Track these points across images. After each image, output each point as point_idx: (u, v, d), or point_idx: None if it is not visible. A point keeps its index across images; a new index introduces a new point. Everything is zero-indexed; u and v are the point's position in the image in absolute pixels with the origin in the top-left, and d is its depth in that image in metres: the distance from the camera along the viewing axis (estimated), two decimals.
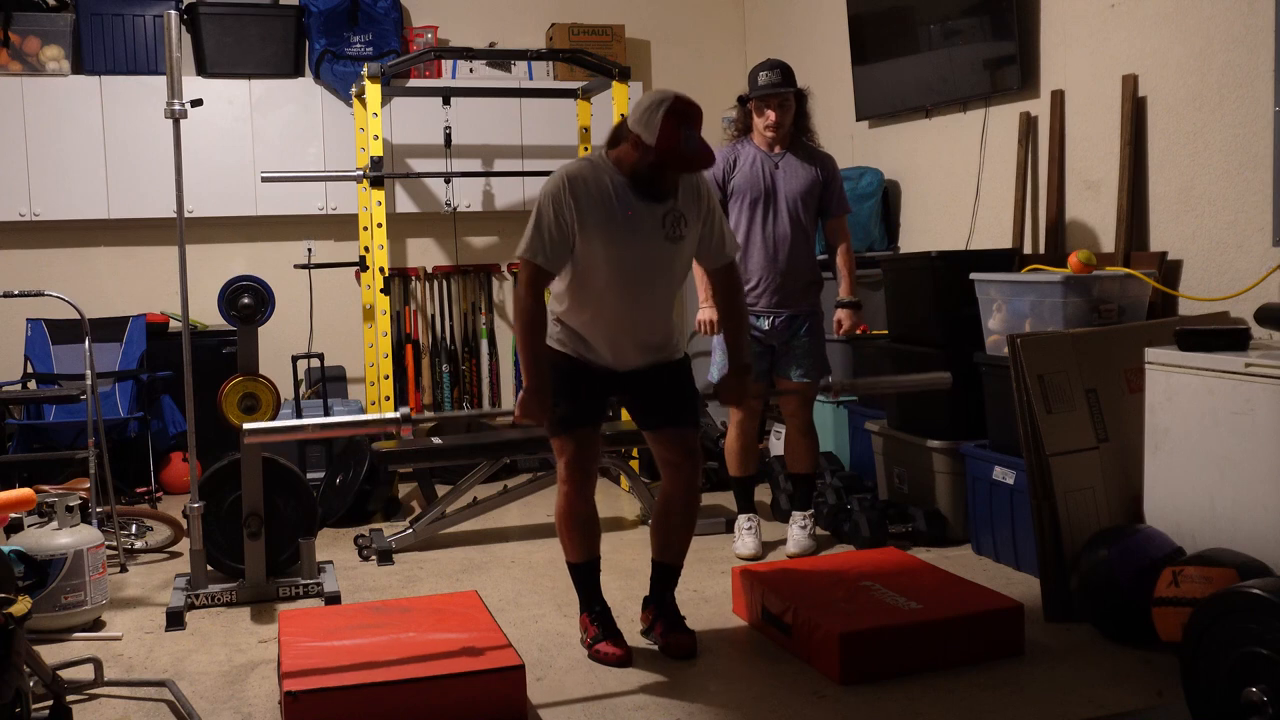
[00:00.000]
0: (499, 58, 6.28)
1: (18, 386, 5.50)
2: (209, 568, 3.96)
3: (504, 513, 5.05)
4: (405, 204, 6.22)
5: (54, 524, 3.67)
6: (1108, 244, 4.33)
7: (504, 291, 6.59)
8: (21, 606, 2.59)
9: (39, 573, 3.54)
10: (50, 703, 2.80)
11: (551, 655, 3.36)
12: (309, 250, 6.17)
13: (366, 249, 5.52)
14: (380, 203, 5.34)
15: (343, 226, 6.27)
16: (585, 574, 3.41)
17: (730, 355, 3.44)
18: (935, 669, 3.12)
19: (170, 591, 3.97)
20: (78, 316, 4.50)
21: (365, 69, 5.28)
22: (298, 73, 6.17)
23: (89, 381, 4.45)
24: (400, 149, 6.11)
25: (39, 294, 4.58)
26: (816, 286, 4.31)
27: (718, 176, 4.21)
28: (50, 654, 3.19)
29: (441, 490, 5.05)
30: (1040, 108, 4.69)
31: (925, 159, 5.47)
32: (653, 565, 3.46)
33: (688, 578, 3.68)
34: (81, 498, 3.82)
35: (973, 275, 4.26)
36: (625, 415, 4.93)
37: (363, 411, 5.70)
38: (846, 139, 6.00)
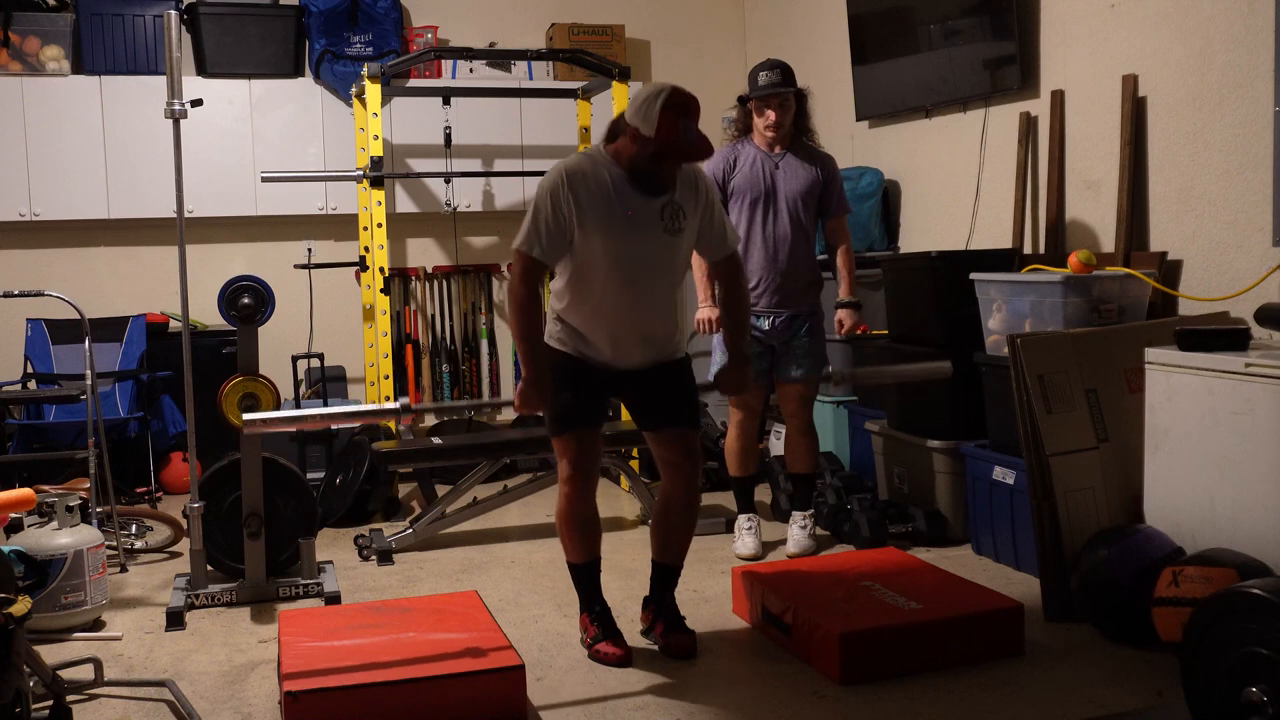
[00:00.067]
0: (499, 58, 6.28)
1: (18, 386, 5.50)
2: (209, 568, 3.96)
3: (504, 513, 5.05)
4: (405, 204, 6.22)
5: (54, 524, 3.67)
6: (1108, 244, 4.33)
7: (504, 291, 6.59)
8: (21, 606, 2.59)
9: (39, 573, 3.54)
10: (50, 703, 2.80)
11: (551, 655, 3.36)
12: (309, 250, 6.17)
13: (366, 249, 5.53)
14: (380, 203, 5.34)
15: (343, 226, 6.28)
16: (586, 574, 3.41)
17: (730, 346, 3.44)
18: (935, 669, 3.12)
19: (170, 591, 3.97)
20: (78, 316, 4.50)
21: (365, 69, 5.28)
22: (298, 73, 6.17)
23: (89, 381, 4.45)
24: (400, 149, 6.11)
25: (39, 294, 4.58)
26: (816, 286, 4.31)
27: (718, 176, 4.21)
28: (50, 654, 3.19)
29: (441, 490, 5.05)
30: (1040, 108, 4.69)
31: (925, 159, 5.47)
32: (653, 565, 3.46)
33: (688, 578, 3.68)
34: (81, 498, 3.82)
35: (973, 275, 4.26)
36: (625, 415, 4.93)
37: None
38: (846, 139, 6.00)
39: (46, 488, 3.89)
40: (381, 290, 5.34)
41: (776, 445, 5.37)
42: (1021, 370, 3.56)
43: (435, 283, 6.52)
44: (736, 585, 3.69)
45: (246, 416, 3.28)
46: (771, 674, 3.19)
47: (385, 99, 5.72)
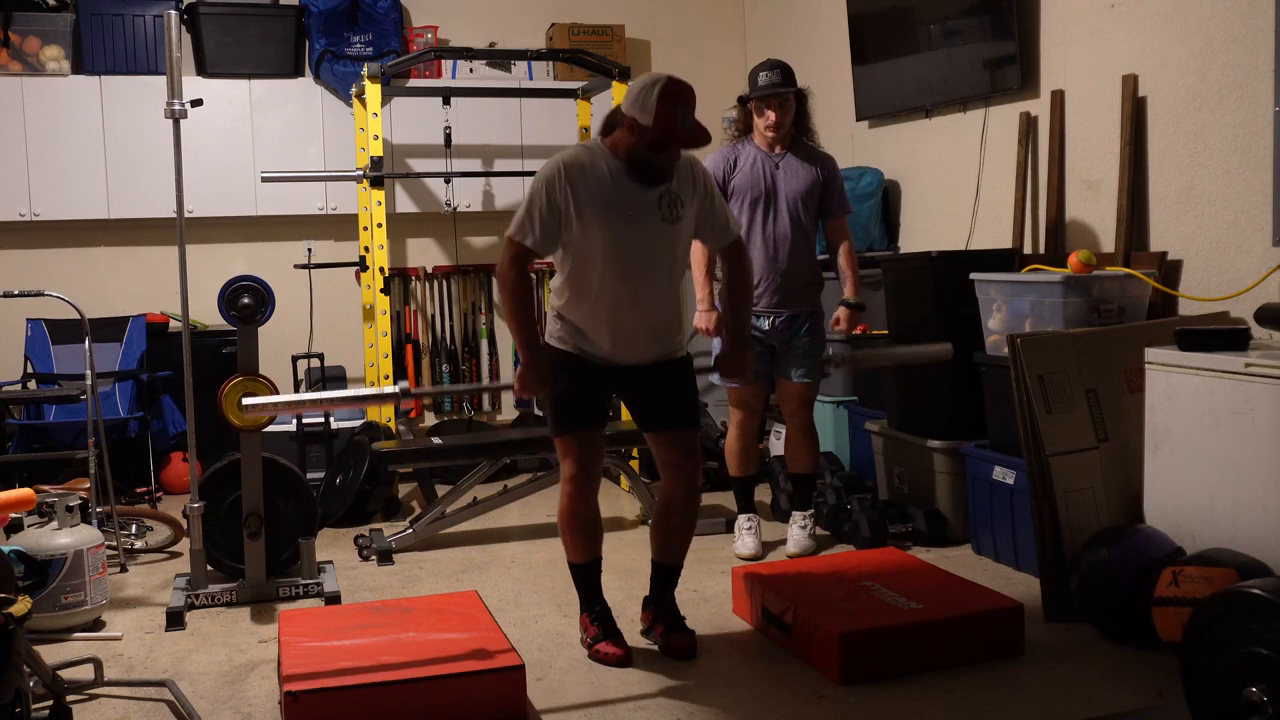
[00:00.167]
0: (499, 58, 6.28)
1: (18, 386, 5.50)
2: (209, 568, 3.96)
3: (504, 513, 5.05)
4: (405, 204, 6.22)
5: (54, 524, 3.67)
6: (1108, 244, 4.33)
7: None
8: (21, 606, 2.59)
9: (39, 573, 3.54)
10: (50, 703, 2.80)
11: (551, 655, 3.36)
12: (309, 250, 6.18)
13: (366, 249, 5.53)
14: (380, 203, 5.34)
15: (343, 226, 6.28)
16: (586, 574, 3.41)
17: (732, 329, 3.45)
18: (935, 669, 3.11)
19: (170, 591, 3.97)
20: (78, 316, 4.50)
21: (365, 69, 5.29)
22: (298, 73, 6.17)
23: (89, 381, 4.45)
24: (400, 149, 6.11)
25: (39, 294, 4.58)
26: (817, 286, 4.31)
27: (718, 176, 4.20)
28: (50, 654, 3.19)
29: (441, 490, 5.05)
30: (1040, 108, 4.69)
31: (925, 159, 5.47)
32: (652, 566, 3.46)
33: (688, 578, 3.68)
34: (81, 498, 3.82)
35: (973, 275, 4.26)
36: (625, 415, 4.93)
37: (363, 412, 5.71)
38: (846, 139, 6.00)
39: (46, 488, 3.89)
40: (381, 290, 5.35)
41: (776, 445, 5.37)
42: (1021, 370, 3.56)
43: (435, 283, 6.52)
44: (736, 585, 3.69)
45: (246, 400, 3.28)
46: (771, 674, 3.19)
47: (385, 99, 5.73)
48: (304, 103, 6.14)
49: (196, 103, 3.94)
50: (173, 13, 3.88)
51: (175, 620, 3.71)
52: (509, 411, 6.65)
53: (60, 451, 5.18)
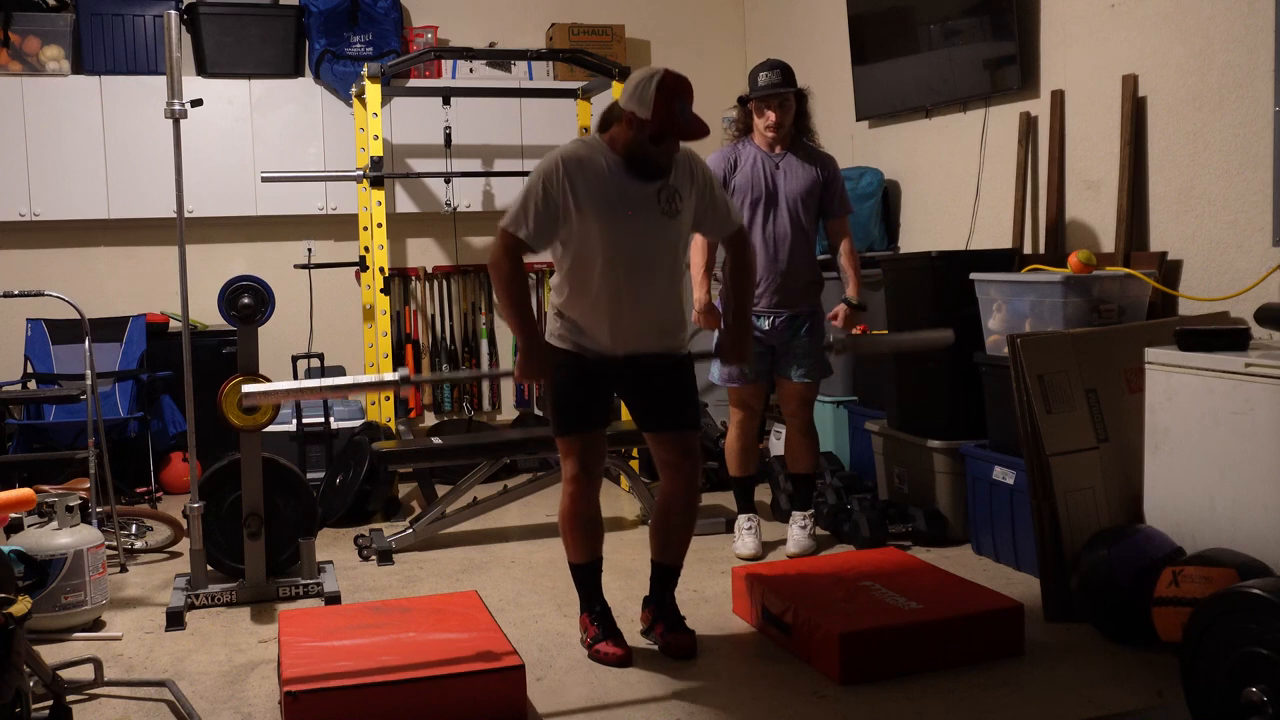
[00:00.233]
0: (499, 58, 6.28)
1: (18, 386, 5.50)
2: (209, 568, 3.96)
3: (504, 513, 5.05)
4: (405, 204, 6.22)
5: (54, 524, 3.67)
6: (1108, 244, 4.33)
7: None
8: (21, 606, 2.59)
9: (39, 573, 3.54)
10: (50, 703, 2.80)
11: (551, 655, 3.36)
12: (309, 250, 6.18)
13: (366, 249, 5.53)
14: (380, 203, 5.34)
15: (343, 226, 6.28)
16: (587, 574, 3.41)
17: (734, 312, 3.45)
18: (935, 669, 3.12)
19: (170, 591, 3.97)
20: (78, 316, 4.50)
21: (365, 69, 5.29)
22: (298, 73, 6.17)
23: (89, 381, 4.45)
24: (400, 149, 6.11)
25: (39, 294, 4.58)
26: (817, 286, 4.31)
27: (719, 176, 4.20)
28: (50, 654, 3.19)
29: (441, 490, 5.05)
30: (1040, 108, 4.69)
31: (925, 159, 5.46)
32: (652, 566, 3.46)
33: (688, 578, 3.68)
34: (81, 498, 3.82)
35: (973, 275, 4.26)
36: (625, 415, 4.93)
37: (363, 412, 5.71)
38: (846, 139, 6.00)
39: (46, 488, 3.89)
40: (381, 290, 5.35)
41: (776, 445, 5.37)
42: (1021, 370, 3.56)
43: (435, 283, 6.53)
44: (736, 585, 3.69)
45: (246, 387, 3.28)
46: (771, 674, 3.19)
47: (385, 99, 5.73)
48: (304, 103, 6.14)
49: (196, 103, 3.94)
50: (173, 13, 3.88)
51: (175, 620, 3.71)
52: (509, 412, 6.65)
53: (60, 451, 5.18)
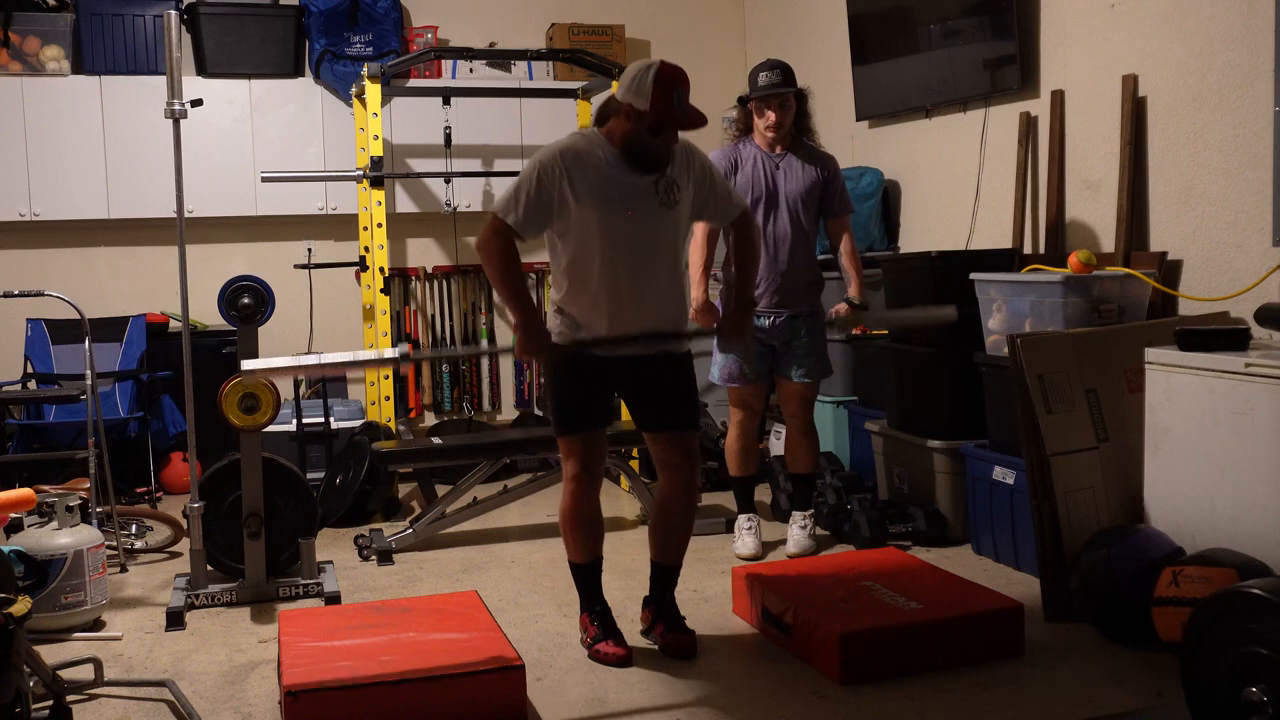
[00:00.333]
0: (499, 58, 6.28)
1: (18, 386, 5.50)
2: (209, 568, 3.96)
3: (504, 513, 5.05)
4: (405, 204, 6.22)
5: (54, 524, 3.67)
6: (1108, 244, 4.33)
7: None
8: (21, 606, 2.59)
9: (39, 573, 3.54)
10: (50, 703, 2.80)
11: (551, 655, 3.36)
12: (309, 250, 6.18)
13: (366, 249, 5.53)
14: (380, 203, 5.34)
15: (343, 226, 6.28)
16: (587, 574, 3.41)
17: (736, 291, 3.45)
18: (935, 669, 3.11)
19: (170, 591, 3.97)
20: (78, 316, 4.51)
21: (365, 69, 5.29)
22: (298, 73, 6.17)
23: (89, 381, 4.45)
24: (400, 149, 6.11)
25: (39, 294, 4.59)
26: (817, 286, 4.31)
27: None
28: (50, 654, 3.19)
29: (441, 490, 5.05)
30: (1040, 108, 4.69)
31: (925, 159, 5.47)
32: (652, 566, 3.46)
33: (688, 578, 3.68)
34: (81, 498, 3.82)
35: (973, 275, 4.26)
36: (625, 415, 4.93)
37: (363, 412, 5.71)
38: (846, 139, 6.00)
39: (46, 488, 3.89)
40: (381, 290, 5.35)
41: (776, 445, 5.37)
42: (1021, 370, 3.56)
43: (435, 283, 6.53)
44: (736, 585, 3.69)
45: (245, 363, 3.27)
46: (771, 674, 3.19)
47: (385, 99, 5.73)
48: (304, 103, 6.14)
49: (196, 103, 3.94)
50: (173, 13, 3.88)
51: (175, 620, 3.71)
52: (509, 412, 6.65)
53: (60, 451, 5.18)
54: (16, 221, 5.81)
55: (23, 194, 5.77)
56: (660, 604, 3.42)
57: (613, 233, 3.14)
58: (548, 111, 6.26)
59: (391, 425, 5.38)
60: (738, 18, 7.11)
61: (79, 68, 5.87)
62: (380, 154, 5.32)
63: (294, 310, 6.05)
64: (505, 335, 6.60)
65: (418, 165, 6.08)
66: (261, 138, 6.07)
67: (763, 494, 4.93)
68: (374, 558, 4.45)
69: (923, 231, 5.52)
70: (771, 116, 4.17)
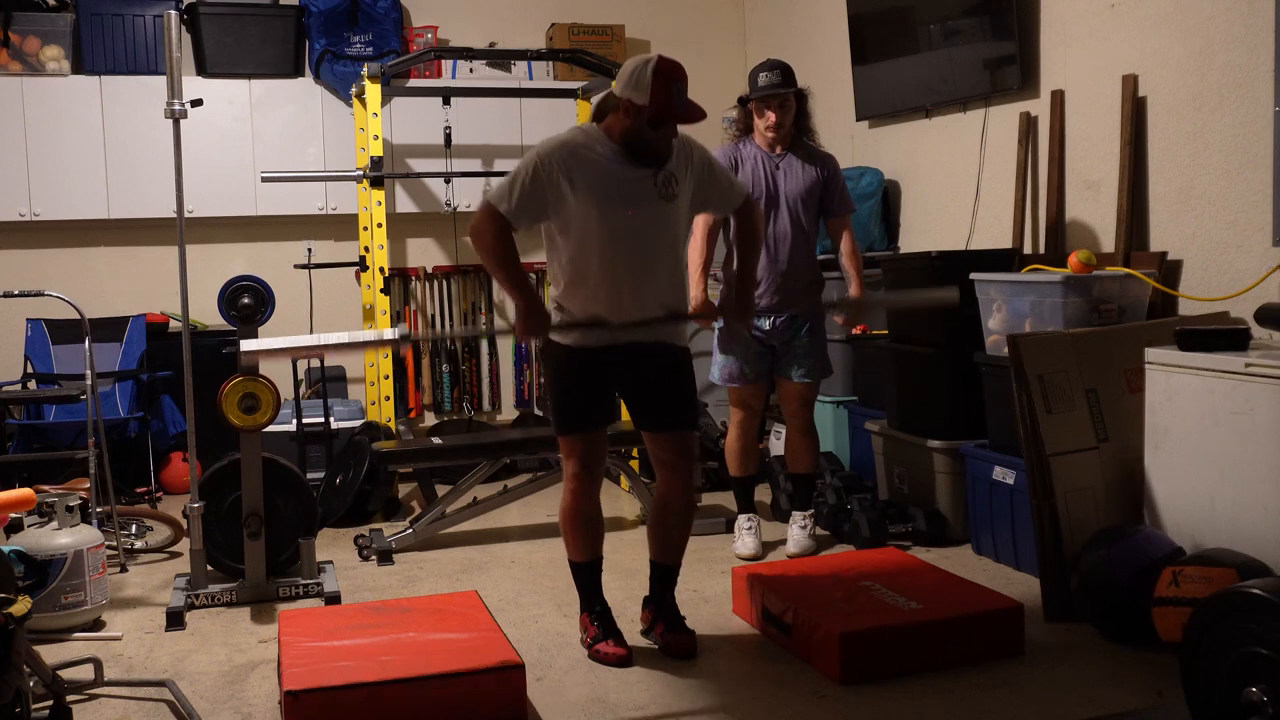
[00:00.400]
0: (499, 58, 6.28)
1: (18, 386, 5.50)
2: (209, 568, 3.96)
3: (504, 513, 5.05)
4: (405, 204, 6.22)
5: (54, 524, 3.67)
6: (1108, 244, 4.33)
7: (504, 291, 6.57)
8: (21, 606, 2.59)
9: (39, 573, 3.54)
10: (50, 703, 2.80)
11: (551, 655, 3.36)
12: (309, 250, 6.18)
13: (366, 249, 5.53)
14: (380, 203, 5.34)
15: (343, 226, 6.28)
16: (587, 573, 3.41)
17: (738, 273, 3.46)
18: (935, 669, 3.11)
19: (170, 591, 3.97)
20: (78, 316, 4.51)
21: (365, 69, 5.29)
22: (298, 73, 6.17)
23: (89, 381, 4.45)
24: (400, 149, 6.11)
25: (39, 294, 4.59)
26: (817, 286, 4.31)
27: None
28: (50, 654, 3.19)
29: (441, 490, 5.05)
30: (1040, 108, 4.69)
31: (925, 159, 5.46)
32: (651, 566, 3.46)
33: (688, 578, 3.68)
34: (81, 498, 3.82)
35: (973, 275, 4.26)
36: (625, 415, 4.93)
37: (363, 412, 5.71)
38: (846, 139, 6.00)
39: (46, 488, 3.89)
40: (381, 290, 5.35)
41: (776, 445, 5.37)
42: (1021, 370, 3.56)
43: (435, 283, 6.52)
44: (736, 585, 3.69)
45: (244, 344, 3.26)
46: (771, 674, 3.19)
47: (385, 99, 5.73)
48: (304, 103, 6.14)
49: (196, 103, 3.94)
50: (173, 13, 3.88)
51: (175, 620, 3.71)
52: (509, 412, 6.65)
53: (60, 451, 5.18)
54: (16, 221, 5.81)
55: (23, 194, 5.77)
56: (660, 604, 3.42)
57: (612, 228, 3.14)
58: (548, 111, 6.26)
59: (391, 425, 5.38)
60: (738, 18, 7.11)
61: (79, 68, 5.87)
62: (380, 154, 5.32)
63: (294, 310, 6.04)
64: (504, 335, 6.61)
65: (418, 165, 6.08)
66: (261, 138, 6.08)
67: (763, 494, 4.93)
68: (374, 558, 4.45)
69: (923, 231, 5.52)
70: (771, 117, 4.17)
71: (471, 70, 6.39)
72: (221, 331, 5.75)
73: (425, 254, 6.55)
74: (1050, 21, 4.62)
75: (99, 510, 4.39)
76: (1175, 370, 3.34)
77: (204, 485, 4.01)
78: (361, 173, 5.42)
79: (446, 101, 5.88)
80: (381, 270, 5.34)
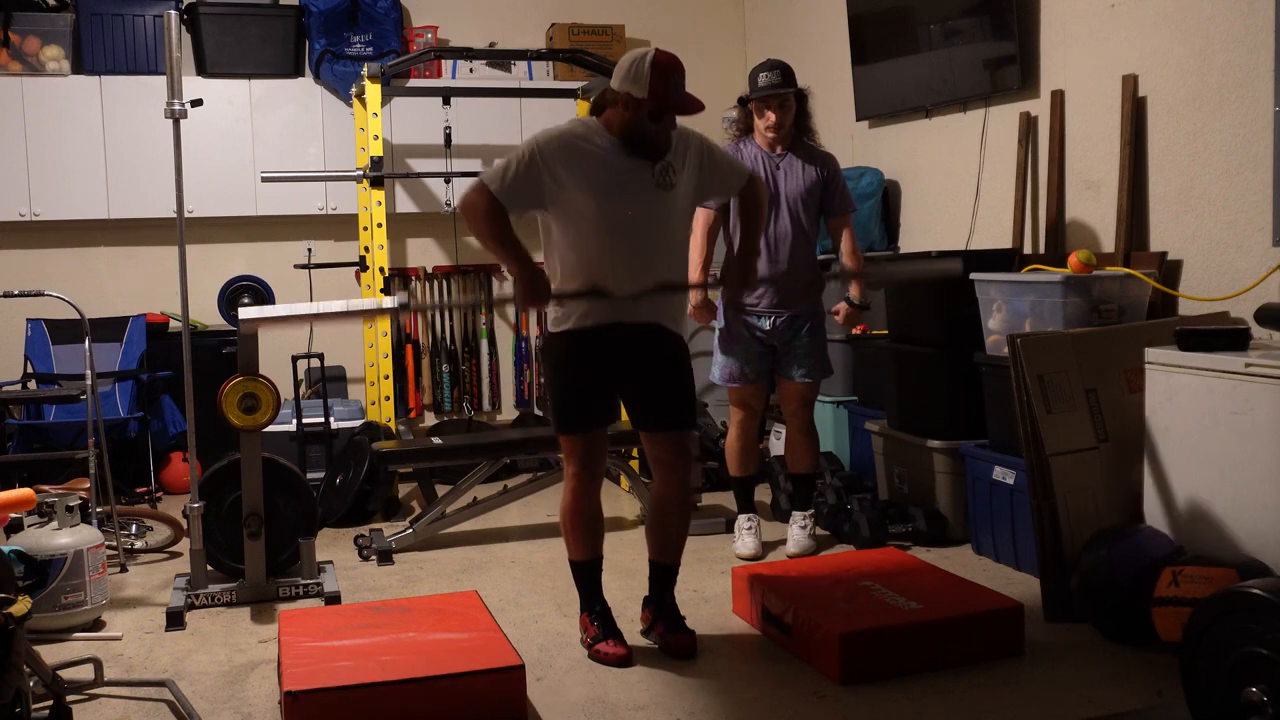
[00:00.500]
0: (499, 58, 6.28)
1: (18, 386, 5.50)
2: (209, 568, 3.96)
3: (504, 513, 5.05)
4: (405, 204, 6.22)
5: (54, 524, 3.67)
6: (1108, 244, 4.33)
7: (504, 291, 6.58)
8: (21, 606, 2.59)
9: (39, 573, 3.54)
10: (50, 703, 2.80)
11: (551, 655, 3.36)
12: (309, 250, 6.17)
13: (366, 249, 5.53)
14: (380, 203, 5.34)
15: (343, 226, 6.28)
16: (587, 573, 3.41)
17: (740, 245, 3.47)
18: (935, 669, 3.11)
19: (170, 591, 3.97)
20: (78, 316, 4.50)
21: (365, 69, 5.29)
22: (298, 73, 6.17)
23: (89, 381, 4.45)
24: (400, 149, 6.11)
25: (39, 294, 4.58)
26: (817, 287, 4.31)
27: None
28: (50, 654, 3.19)
29: (441, 490, 5.05)
30: (1040, 108, 4.69)
31: (925, 159, 5.46)
32: (650, 565, 3.46)
33: (688, 578, 3.68)
34: (81, 498, 3.82)
35: (973, 275, 4.26)
36: (625, 415, 4.93)
37: (363, 412, 5.71)
38: (846, 139, 6.00)
39: (46, 488, 3.89)
40: (381, 290, 5.34)
41: (776, 445, 5.37)
42: (1021, 370, 3.56)
43: (435, 283, 6.52)
44: (736, 585, 3.69)
45: (243, 312, 3.26)
46: (771, 674, 3.19)
47: (385, 99, 5.73)
48: (304, 103, 6.14)
49: (196, 103, 3.94)
50: (173, 13, 3.88)
51: (175, 620, 3.72)
52: (509, 412, 6.65)
53: (60, 451, 5.18)
54: (16, 221, 5.81)
55: (23, 194, 5.77)
56: (660, 604, 3.42)
57: (611, 220, 3.14)
58: (548, 111, 6.24)
59: (391, 425, 5.38)
60: (738, 18, 7.11)
61: (79, 68, 5.87)
62: (380, 154, 5.32)
63: None
64: (505, 335, 6.61)
65: (418, 165, 6.08)
66: (261, 138, 6.07)
67: (763, 494, 4.93)
68: (374, 558, 4.45)
69: (923, 231, 5.52)
70: (771, 117, 4.17)
71: (471, 70, 6.39)
72: (221, 331, 5.76)
73: (425, 254, 6.55)
74: (1050, 21, 4.62)
75: (99, 510, 4.39)
76: (1175, 370, 3.34)
77: (204, 485, 4.01)
78: (361, 173, 5.42)
79: (446, 101, 5.88)
80: (381, 270, 5.34)
